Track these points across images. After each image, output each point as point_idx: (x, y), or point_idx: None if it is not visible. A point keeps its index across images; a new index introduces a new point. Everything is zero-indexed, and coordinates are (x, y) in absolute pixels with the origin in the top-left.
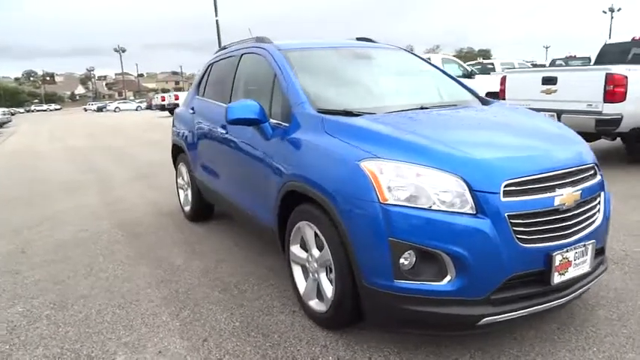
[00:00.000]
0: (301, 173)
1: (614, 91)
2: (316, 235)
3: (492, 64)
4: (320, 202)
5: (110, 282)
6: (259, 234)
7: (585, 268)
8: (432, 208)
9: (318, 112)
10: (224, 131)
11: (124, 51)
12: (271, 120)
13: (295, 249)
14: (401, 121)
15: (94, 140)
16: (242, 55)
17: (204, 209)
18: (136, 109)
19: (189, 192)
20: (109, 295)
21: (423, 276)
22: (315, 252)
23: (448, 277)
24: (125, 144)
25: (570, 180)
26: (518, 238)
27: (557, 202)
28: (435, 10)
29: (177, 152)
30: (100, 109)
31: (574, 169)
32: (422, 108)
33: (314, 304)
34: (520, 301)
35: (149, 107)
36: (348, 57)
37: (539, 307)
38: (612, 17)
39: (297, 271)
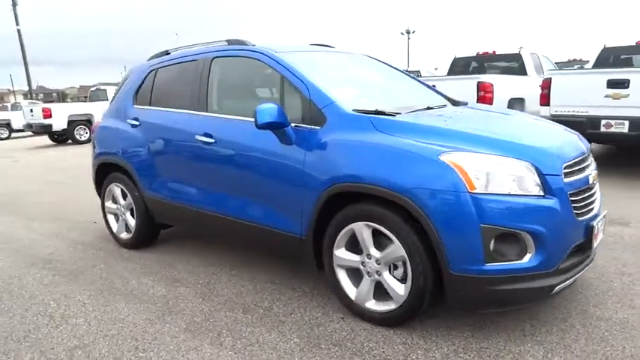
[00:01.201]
0: (357, 173)
1: (485, 96)
2: (374, 234)
3: None
4: (391, 200)
5: (96, 326)
6: (270, 247)
7: (602, 234)
8: (511, 193)
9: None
10: (211, 140)
11: None
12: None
13: (341, 253)
14: (440, 119)
15: None
16: (213, 58)
17: (152, 233)
18: None
19: (129, 216)
20: (109, 339)
21: (508, 256)
22: (375, 252)
23: (529, 255)
24: None
25: (589, 162)
26: (575, 213)
27: (590, 180)
28: (228, 29)
29: (106, 173)
30: None
31: (588, 153)
32: (429, 108)
33: (372, 305)
34: (575, 267)
35: None
36: (337, 60)
37: (584, 269)
38: (409, 38)
39: (343, 276)
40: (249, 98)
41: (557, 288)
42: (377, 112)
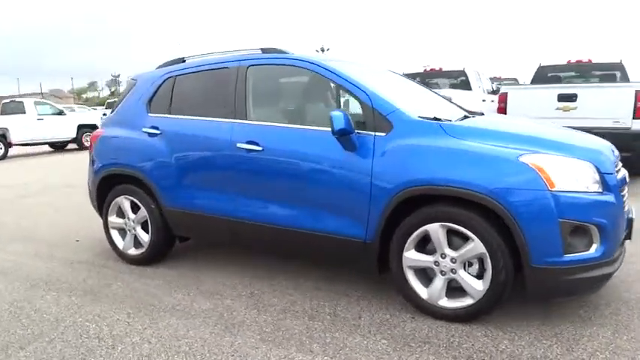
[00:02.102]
0: (437, 176)
1: None
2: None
3: None
4: (474, 200)
5: (159, 344)
6: (325, 253)
7: None
8: (580, 190)
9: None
10: (257, 148)
11: None
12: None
13: (411, 254)
14: (494, 125)
15: None
16: (249, 66)
17: (166, 248)
18: None
19: (140, 230)
20: (184, 356)
21: (579, 248)
22: (449, 251)
23: (595, 245)
24: None
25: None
26: (623, 207)
27: (627, 178)
28: (113, 41)
29: (110, 185)
30: None
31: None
32: (465, 117)
33: (445, 302)
34: (621, 256)
35: None
36: (372, 72)
37: (624, 257)
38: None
39: (412, 277)
40: (297, 106)
41: (614, 274)
42: (435, 119)
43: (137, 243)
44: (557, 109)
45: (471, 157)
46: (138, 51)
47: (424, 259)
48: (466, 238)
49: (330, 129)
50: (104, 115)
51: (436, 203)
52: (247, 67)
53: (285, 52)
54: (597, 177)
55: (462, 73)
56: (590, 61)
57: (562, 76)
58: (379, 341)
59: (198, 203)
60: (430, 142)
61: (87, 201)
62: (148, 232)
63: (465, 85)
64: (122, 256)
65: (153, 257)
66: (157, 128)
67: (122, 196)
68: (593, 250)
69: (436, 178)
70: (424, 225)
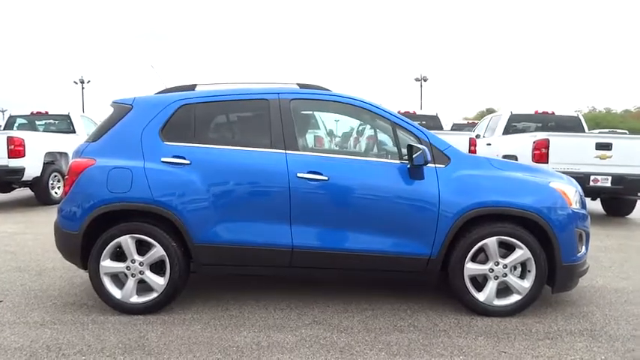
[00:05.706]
0: (497, 199)
1: None
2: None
3: None
4: (523, 217)
5: None
6: (389, 272)
7: None
8: (578, 207)
9: None
10: (323, 178)
11: None
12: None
13: (471, 265)
14: (504, 160)
15: None
16: (292, 99)
17: (182, 288)
18: None
19: (149, 273)
20: None
21: (579, 249)
22: (501, 260)
23: (583, 247)
24: None
25: None
26: None
27: None
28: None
29: (107, 224)
30: None
31: None
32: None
33: (497, 301)
34: None
35: None
36: None
37: None
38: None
39: (469, 283)
40: (350, 140)
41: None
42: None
43: (141, 289)
44: None
45: (518, 184)
46: None
47: (481, 268)
48: (510, 247)
49: (391, 160)
50: None
51: (489, 222)
52: (290, 100)
53: (327, 90)
54: (579, 198)
55: None
56: (414, 112)
57: None
58: (477, 338)
59: (246, 235)
60: (483, 172)
61: None
62: (160, 275)
63: None
64: (118, 306)
65: (166, 302)
66: (182, 158)
67: (126, 236)
68: (583, 250)
69: (498, 201)
70: (483, 239)
